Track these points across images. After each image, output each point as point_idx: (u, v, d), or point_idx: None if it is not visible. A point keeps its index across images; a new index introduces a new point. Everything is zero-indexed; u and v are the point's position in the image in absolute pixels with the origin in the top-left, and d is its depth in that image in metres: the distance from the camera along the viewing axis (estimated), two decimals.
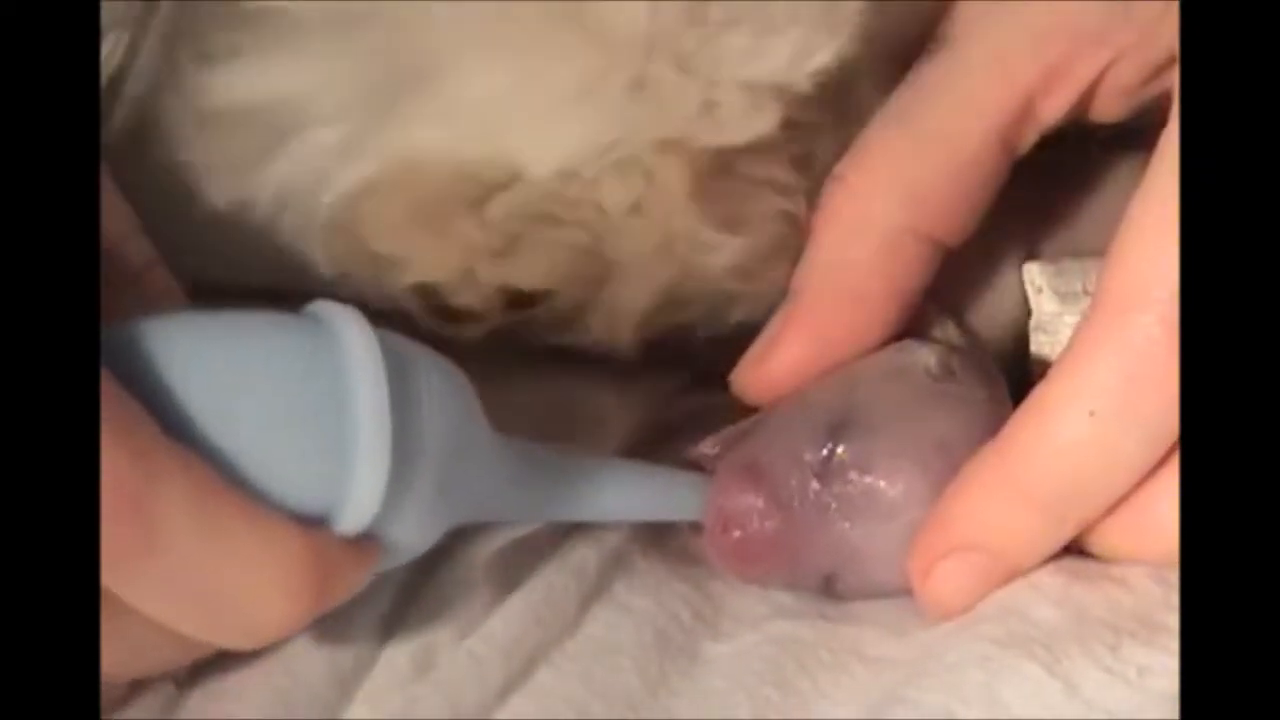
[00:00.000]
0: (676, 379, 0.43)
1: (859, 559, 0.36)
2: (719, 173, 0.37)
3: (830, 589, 0.37)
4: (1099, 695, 0.31)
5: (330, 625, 0.34)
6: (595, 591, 0.37)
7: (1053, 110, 0.37)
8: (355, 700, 0.34)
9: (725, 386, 0.39)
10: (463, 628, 0.35)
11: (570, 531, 0.38)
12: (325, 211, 0.37)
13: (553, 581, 0.36)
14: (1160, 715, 0.30)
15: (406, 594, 0.36)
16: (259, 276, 0.40)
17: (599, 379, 0.42)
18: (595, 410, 0.41)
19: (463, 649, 0.35)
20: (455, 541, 0.36)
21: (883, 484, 0.36)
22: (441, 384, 0.33)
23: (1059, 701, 0.31)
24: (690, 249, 0.37)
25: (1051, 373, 0.33)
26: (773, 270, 0.38)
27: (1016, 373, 0.38)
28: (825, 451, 0.36)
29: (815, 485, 0.36)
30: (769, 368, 0.37)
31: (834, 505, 0.36)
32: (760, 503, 0.36)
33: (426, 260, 0.37)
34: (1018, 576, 0.34)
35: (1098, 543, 0.34)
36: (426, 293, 0.38)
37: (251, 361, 0.31)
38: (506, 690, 0.34)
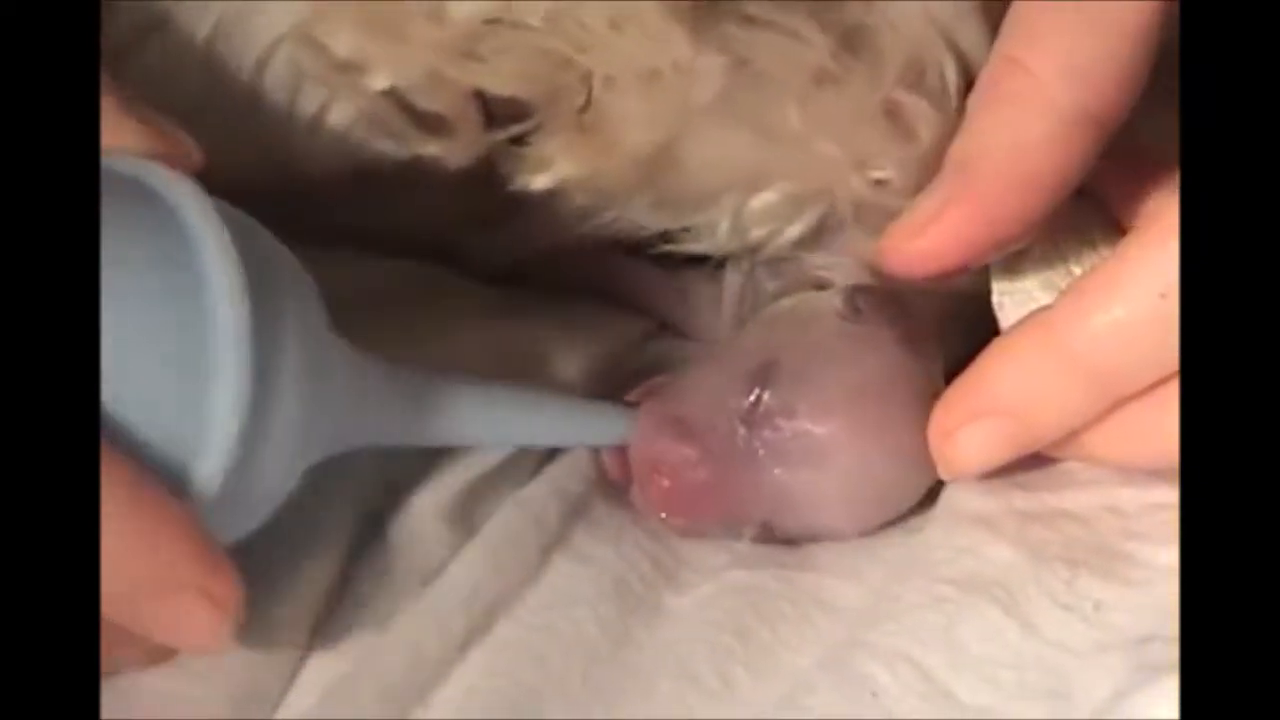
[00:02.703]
0: (639, 328, 0.43)
1: (791, 503, 0.36)
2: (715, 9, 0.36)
3: (769, 535, 0.37)
4: (1057, 633, 0.31)
5: (290, 575, 0.34)
6: (555, 540, 0.37)
7: None
8: (317, 650, 0.34)
9: (687, 336, 0.39)
10: (422, 577, 0.35)
11: (530, 478, 0.38)
12: (283, 26, 0.37)
13: (512, 530, 0.36)
14: (1118, 650, 0.30)
15: (363, 542, 0.36)
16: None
17: (562, 327, 0.42)
18: (557, 359, 0.41)
19: (422, 599, 0.35)
20: (410, 489, 0.37)
21: (808, 428, 0.36)
22: (300, 294, 0.32)
23: (1017, 640, 0.31)
24: (680, 78, 0.36)
25: (1122, 250, 0.33)
26: (783, 118, 0.37)
27: (974, 306, 0.38)
28: (752, 398, 0.36)
29: (742, 432, 0.36)
30: (929, 241, 0.36)
31: (762, 451, 0.36)
32: (688, 451, 0.36)
33: (390, 62, 0.37)
34: (1037, 448, 0.35)
35: (1091, 442, 0.34)
36: (400, 102, 0.38)
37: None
38: (467, 641, 0.34)
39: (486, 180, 0.39)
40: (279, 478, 0.32)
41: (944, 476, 0.36)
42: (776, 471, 0.36)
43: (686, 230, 0.40)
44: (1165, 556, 0.32)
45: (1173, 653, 0.29)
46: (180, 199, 0.31)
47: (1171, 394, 0.33)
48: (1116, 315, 0.33)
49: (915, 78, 0.38)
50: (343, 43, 0.37)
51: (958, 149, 0.36)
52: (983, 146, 0.35)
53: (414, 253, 0.43)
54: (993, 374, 0.35)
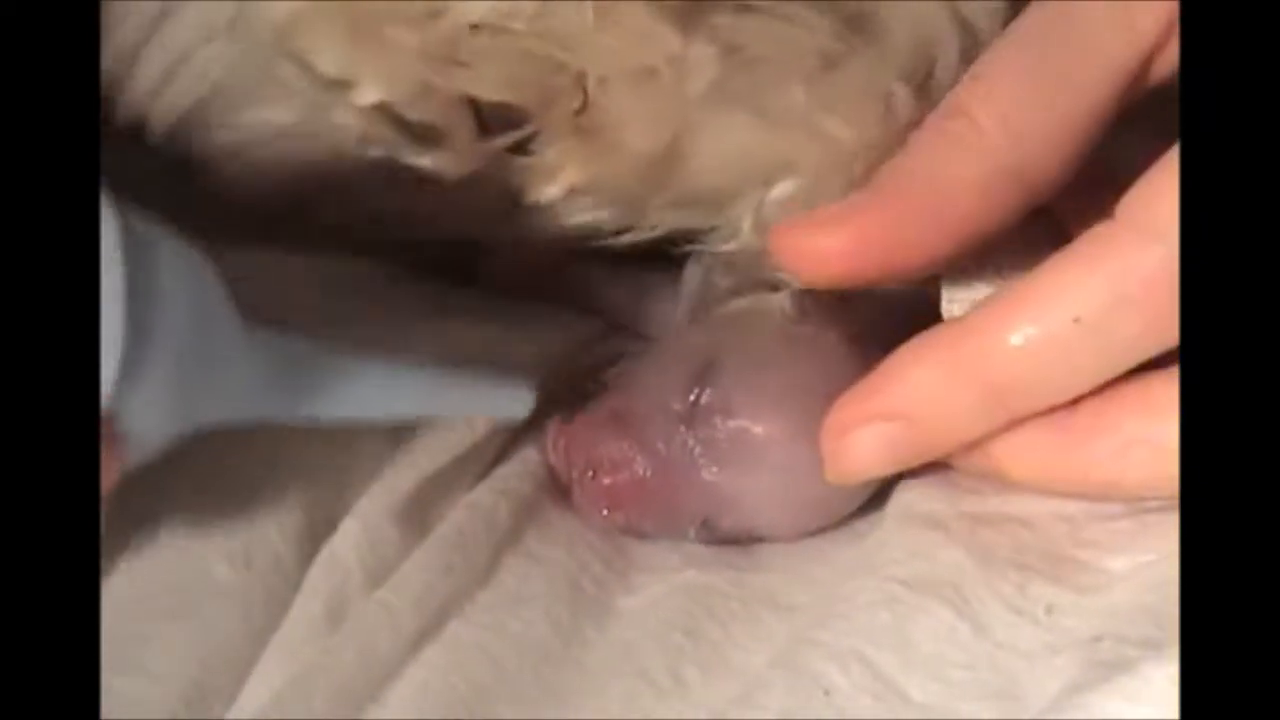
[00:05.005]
0: (591, 327, 0.43)
1: (729, 502, 0.37)
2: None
3: (713, 534, 0.37)
4: (1008, 635, 0.31)
5: (241, 575, 0.34)
6: (507, 541, 0.37)
7: (1167, 65, 0.35)
8: (269, 650, 0.34)
9: (638, 335, 0.39)
10: (374, 576, 0.35)
11: (479, 480, 0.38)
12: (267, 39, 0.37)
13: (464, 530, 0.36)
14: (1068, 651, 0.30)
15: (316, 542, 0.36)
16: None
17: (512, 326, 0.42)
18: (510, 357, 0.40)
19: (374, 599, 0.35)
20: (360, 491, 0.37)
21: (746, 428, 0.36)
22: (181, 270, 0.31)
23: (968, 641, 0.31)
24: (674, 72, 0.36)
25: (1045, 269, 0.33)
26: (790, 102, 0.37)
27: (923, 310, 0.39)
28: (692, 397, 0.36)
29: (682, 429, 0.36)
30: (822, 241, 0.35)
31: (700, 449, 0.36)
32: (628, 448, 0.37)
33: (376, 75, 0.37)
34: (930, 457, 0.35)
35: (998, 457, 0.35)
36: (391, 117, 0.38)
37: None
38: (419, 640, 0.34)
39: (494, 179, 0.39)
40: (149, 434, 0.32)
41: (830, 478, 0.35)
42: (715, 470, 0.36)
43: (713, 229, 0.39)
44: (1116, 563, 0.33)
45: (1123, 651, 0.29)
46: None
47: (1076, 418, 0.34)
48: (1028, 334, 0.33)
49: (924, 61, 0.38)
50: (328, 59, 0.36)
51: (886, 167, 0.36)
52: (906, 171, 0.36)
53: (402, 249, 0.43)
54: (893, 377, 0.35)
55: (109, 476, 0.31)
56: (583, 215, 0.39)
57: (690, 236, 0.40)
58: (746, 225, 0.39)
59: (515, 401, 0.36)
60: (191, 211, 0.37)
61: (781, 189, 0.38)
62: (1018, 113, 0.35)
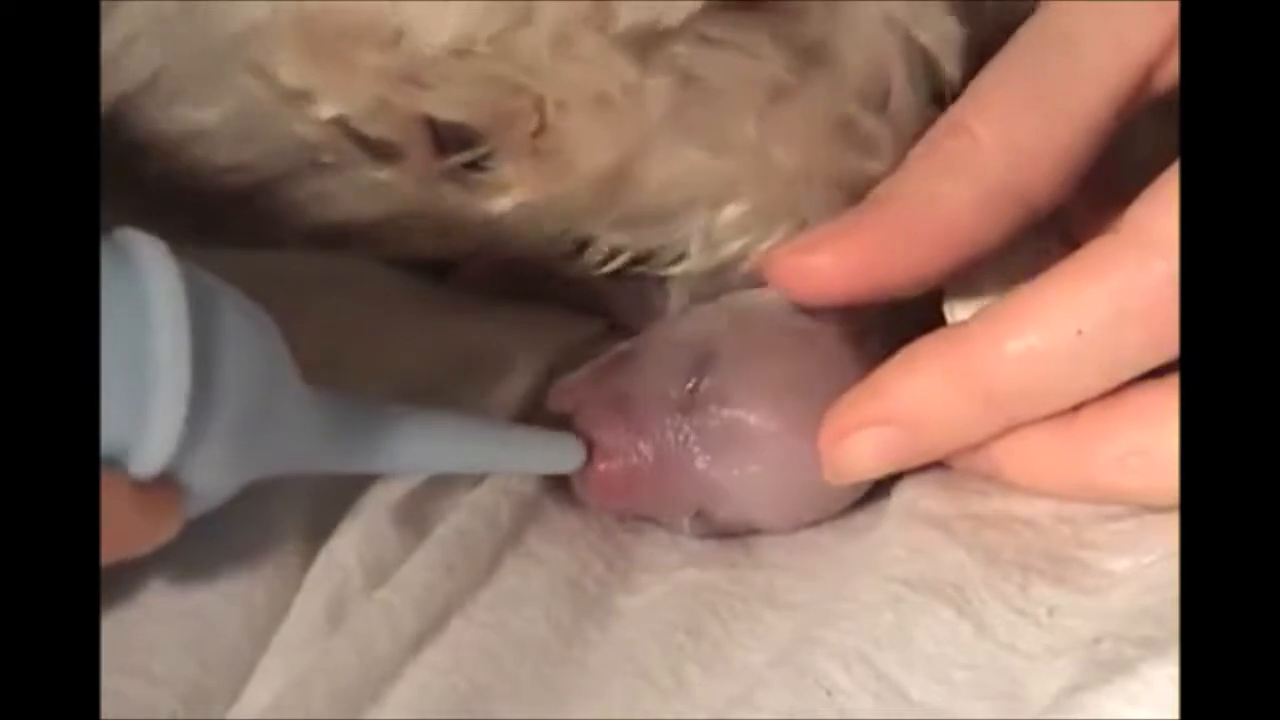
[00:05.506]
0: (591, 327, 0.43)
1: (723, 493, 0.37)
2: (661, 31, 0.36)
3: (708, 526, 0.37)
4: (1010, 635, 0.31)
5: (241, 576, 0.34)
6: (508, 541, 0.37)
7: (1167, 79, 0.35)
8: (270, 651, 0.34)
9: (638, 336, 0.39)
10: (374, 577, 0.35)
11: (481, 479, 0.38)
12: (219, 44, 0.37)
13: (465, 530, 0.36)
14: (1070, 652, 0.30)
15: (316, 543, 0.36)
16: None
17: (512, 325, 0.42)
18: (506, 356, 0.41)
19: (375, 599, 0.35)
20: (362, 489, 0.36)
21: (741, 417, 0.36)
22: (245, 329, 0.32)
23: (970, 641, 0.31)
24: (630, 100, 0.36)
25: (1049, 278, 0.33)
26: (739, 133, 0.37)
27: (924, 307, 0.39)
28: (690, 385, 0.36)
29: (679, 418, 0.36)
30: (815, 260, 0.36)
31: (695, 438, 0.36)
32: (626, 435, 0.37)
33: (336, 90, 0.37)
34: (924, 461, 0.35)
35: (999, 459, 0.35)
36: (349, 130, 0.38)
37: None
38: (420, 641, 0.34)
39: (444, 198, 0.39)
40: (210, 489, 0.32)
41: (829, 479, 0.36)
42: (709, 459, 0.36)
43: (662, 248, 0.40)
44: (1118, 564, 0.33)
45: (1123, 651, 0.29)
46: (131, 243, 0.31)
47: (1077, 424, 0.34)
48: (1031, 343, 0.33)
49: (877, 88, 0.38)
50: (290, 72, 0.37)
51: (882, 186, 0.36)
52: (903, 189, 0.36)
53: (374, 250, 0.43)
54: (892, 382, 0.35)
55: (169, 531, 0.31)
56: (530, 229, 0.39)
57: (641, 258, 0.40)
58: (695, 247, 0.39)
59: (567, 456, 0.37)
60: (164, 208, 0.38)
61: (730, 211, 0.38)
62: (1015, 130, 0.35)
